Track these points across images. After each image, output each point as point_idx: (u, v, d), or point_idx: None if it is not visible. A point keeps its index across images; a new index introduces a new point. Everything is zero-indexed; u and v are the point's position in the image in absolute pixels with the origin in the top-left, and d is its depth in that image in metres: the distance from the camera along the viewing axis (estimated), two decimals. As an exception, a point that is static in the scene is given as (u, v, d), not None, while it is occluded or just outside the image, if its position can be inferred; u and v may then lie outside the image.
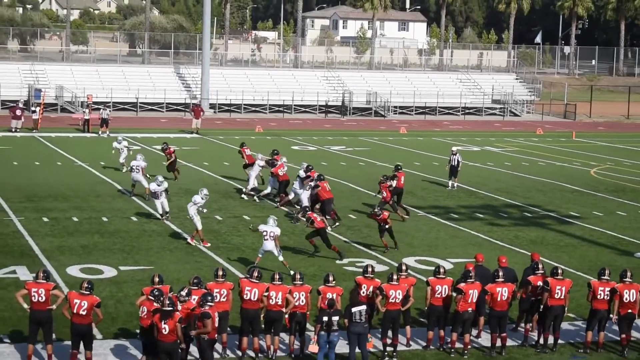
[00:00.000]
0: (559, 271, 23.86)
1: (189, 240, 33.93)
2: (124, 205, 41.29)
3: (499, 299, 23.19)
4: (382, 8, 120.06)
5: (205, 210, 35.43)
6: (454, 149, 49.74)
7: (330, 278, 22.86)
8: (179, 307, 20.68)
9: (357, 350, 22.02)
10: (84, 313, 21.30)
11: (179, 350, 20.68)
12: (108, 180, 47.55)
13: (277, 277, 22.79)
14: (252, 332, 22.70)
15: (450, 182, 48.35)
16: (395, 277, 23.22)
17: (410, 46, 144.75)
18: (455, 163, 47.97)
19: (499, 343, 23.46)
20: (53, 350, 21.84)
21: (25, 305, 21.94)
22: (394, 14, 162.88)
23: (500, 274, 23.58)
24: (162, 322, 20.33)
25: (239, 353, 22.74)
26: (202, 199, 34.29)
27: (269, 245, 30.33)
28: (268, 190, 42.92)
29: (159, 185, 37.17)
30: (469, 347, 23.54)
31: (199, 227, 33.67)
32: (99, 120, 70.03)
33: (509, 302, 23.54)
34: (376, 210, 34.03)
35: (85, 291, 21.47)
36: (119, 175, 48.95)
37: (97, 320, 21.74)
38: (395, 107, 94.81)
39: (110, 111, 71.98)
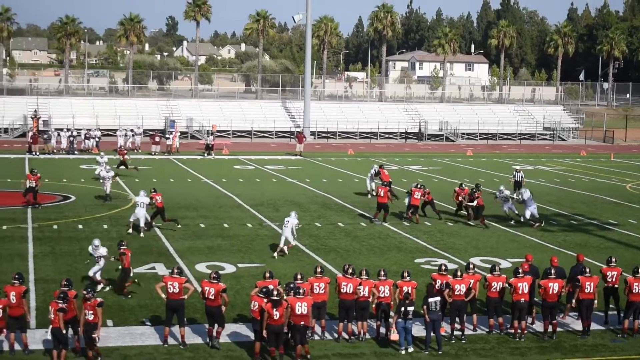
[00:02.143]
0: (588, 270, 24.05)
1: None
2: (241, 214, 41.50)
3: (550, 292, 23.00)
4: (452, 52, 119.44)
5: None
6: (517, 167, 49.61)
7: (405, 274, 22.87)
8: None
9: (432, 334, 22.01)
10: (212, 297, 21.68)
11: (284, 333, 20.86)
12: (228, 194, 47.84)
13: (365, 273, 22.85)
14: (347, 318, 22.75)
15: (515, 194, 47.95)
16: (459, 273, 23.24)
17: (475, 83, 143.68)
18: (520, 179, 48.02)
19: (550, 329, 23.30)
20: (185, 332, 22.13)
21: (163, 295, 22.19)
22: (461, 57, 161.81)
23: (553, 271, 23.49)
24: (274, 309, 20.50)
25: (336, 335, 22.80)
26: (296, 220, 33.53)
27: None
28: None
29: (145, 198, 36.35)
30: (525, 332, 23.35)
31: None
32: (204, 145, 70.76)
33: (559, 295, 23.33)
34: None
35: (213, 280, 21.80)
36: (239, 189, 49.29)
37: (224, 302, 22.00)
38: (463, 133, 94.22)
39: (214, 138, 72.35)
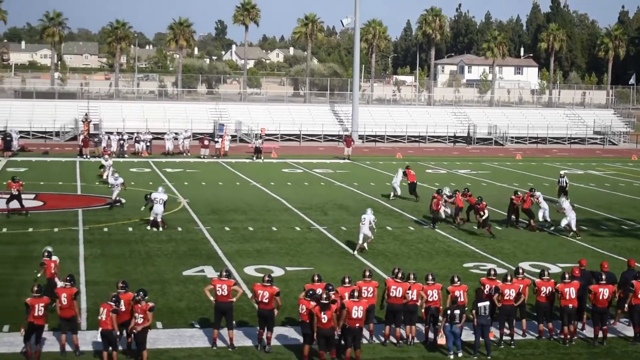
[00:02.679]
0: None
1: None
2: (290, 217, 41.58)
3: (600, 298, 22.79)
4: (501, 56, 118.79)
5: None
6: (562, 172, 49.08)
7: (456, 279, 22.78)
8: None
9: (481, 339, 21.89)
10: (266, 301, 21.75)
11: (335, 336, 20.85)
12: (277, 197, 47.96)
13: (412, 276, 22.78)
14: (394, 322, 22.70)
15: (561, 200, 47.52)
16: (509, 278, 23.07)
17: (524, 87, 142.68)
18: (564, 184, 47.41)
19: (601, 335, 23.07)
20: (234, 335, 22.21)
21: (212, 298, 22.27)
22: (510, 60, 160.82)
23: (603, 277, 23.22)
24: (322, 313, 20.51)
25: (382, 339, 22.77)
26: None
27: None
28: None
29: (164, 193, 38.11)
30: (575, 337, 23.14)
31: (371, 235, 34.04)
32: (253, 148, 71.08)
33: (609, 301, 23.10)
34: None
35: (267, 283, 21.86)
36: (287, 192, 49.42)
37: (277, 306, 22.03)
38: (512, 137, 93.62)
39: (262, 141, 72.56)
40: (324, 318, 20.53)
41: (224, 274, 22.46)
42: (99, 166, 55.02)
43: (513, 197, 40.53)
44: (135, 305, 20.56)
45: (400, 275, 22.88)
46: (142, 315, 20.46)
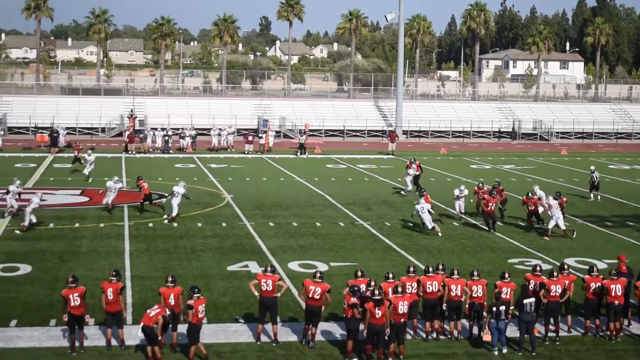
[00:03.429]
0: None
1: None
2: (334, 213, 41.58)
3: (646, 294, 22.59)
4: (546, 50, 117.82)
5: None
6: (592, 167, 48.82)
7: (506, 275, 22.64)
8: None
9: (526, 335, 21.77)
10: (317, 297, 21.78)
11: (386, 333, 20.83)
12: (321, 193, 47.99)
13: (456, 272, 22.70)
14: (431, 317, 22.67)
15: (592, 195, 47.20)
16: (555, 274, 22.88)
17: (570, 82, 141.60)
18: (595, 179, 46.96)
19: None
20: (278, 330, 22.26)
21: (256, 293, 22.32)
22: (556, 55, 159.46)
23: None
24: (376, 309, 20.48)
25: (423, 335, 22.71)
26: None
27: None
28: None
29: (183, 188, 38.70)
30: (620, 334, 22.94)
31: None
32: (297, 144, 71.27)
33: None
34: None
35: (318, 279, 21.93)
36: (331, 188, 49.42)
37: (326, 303, 22.05)
38: (557, 132, 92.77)
39: (306, 137, 72.68)
40: (378, 314, 20.50)
41: (269, 269, 22.51)
42: (72, 160, 55.67)
43: (524, 198, 38.92)
44: (196, 302, 20.64)
45: (431, 270, 22.89)
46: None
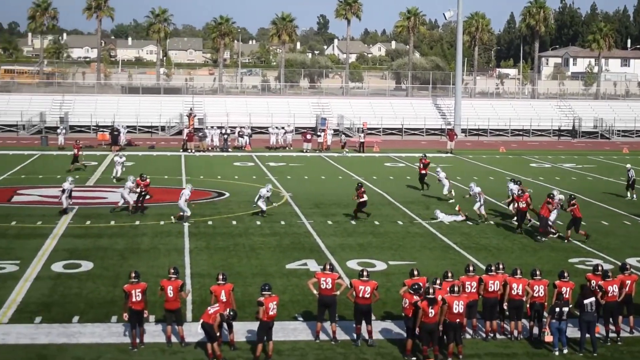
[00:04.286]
0: None
1: None
2: (392, 211, 41.49)
3: None
4: (607, 48, 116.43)
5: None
6: (628, 165, 48.17)
7: (565, 274, 22.43)
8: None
9: (587, 335, 21.54)
10: (367, 295, 21.78)
11: (438, 329, 20.77)
12: (379, 191, 47.89)
13: (519, 272, 22.52)
14: (490, 316, 22.53)
15: (628, 194, 46.49)
16: (610, 274, 22.63)
17: (631, 79, 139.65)
18: (631, 178, 46.21)
19: None
20: (336, 328, 22.28)
21: (315, 291, 22.35)
22: (617, 52, 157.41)
23: None
24: (430, 307, 20.43)
25: (483, 335, 22.58)
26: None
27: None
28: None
29: (268, 191, 39.41)
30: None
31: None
32: (358, 143, 71.45)
33: None
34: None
35: (366, 278, 21.90)
36: (389, 187, 49.32)
37: (375, 299, 22.07)
38: (619, 130, 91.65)
39: (364, 135, 72.87)
40: (431, 313, 20.44)
41: (328, 267, 22.54)
42: (71, 160, 55.41)
43: (515, 196, 37.98)
44: (266, 299, 20.74)
45: (493, 268, 22.75)
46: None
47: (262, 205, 38.81)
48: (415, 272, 22.64)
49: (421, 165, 48.55)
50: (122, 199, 39.62)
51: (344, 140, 72.34)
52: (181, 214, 37.81)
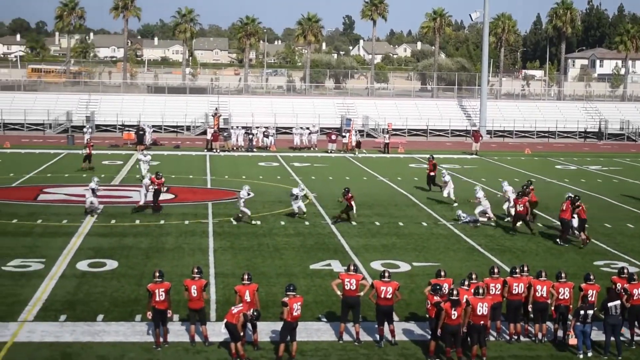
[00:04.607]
0: None
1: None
2: (416, 213, 41.42)
3: None
4: (634, 49, 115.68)
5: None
6: None
7: (591, 277, 22.33)
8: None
9: (612, 339, 21.42)
10: (389, 296, 21.79)
11: (461, 333, 20.70)
12: (404, 192, 47.84)
13: (543, 274, 22.43)
14: (514, 319, 22.45)
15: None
16: (635, 277, 22.47)
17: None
18: None
19: None
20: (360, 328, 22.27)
21: (339, 292, 22.34)
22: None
23: None
24: (453, 309, 20.37)
25: (507, 337, 22.50)
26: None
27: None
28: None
29: (301, 190, 39.42)
30: None
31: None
32: (382, 144, 71.49)
33: None
34: None
35: (387, 279, 21.88)
36: (413, 188, 49.25)
37: (396, 299, 22.08)
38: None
39: (389, 136, 72.93)
40: (454, 314, 20.39)
41: (352, 268, 22.52)
42: (83, 159, 54.92)
43: (514, 199, 37.46)
44: (291, 300, 20.78)
45: (518, 270, 22.68)
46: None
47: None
48: (442, 273, 22.65)
49: (431, 166, 48.29)
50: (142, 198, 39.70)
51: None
52: (239, 215, 37.68)
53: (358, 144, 70.56)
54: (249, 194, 37.73)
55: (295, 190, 39.03)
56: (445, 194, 44.07)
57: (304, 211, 38.82)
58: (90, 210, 38.58)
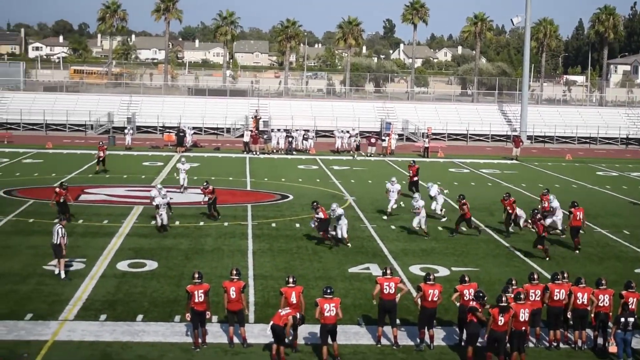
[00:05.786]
0: None
1: None
2: (456, 217, 41.14)
3: None
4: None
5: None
6: None
7: (632, 284, 22.16)
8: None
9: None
10: (436, 299, 21.93)
11: (506, 338, 20.57)
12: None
13: (583, 281, 22.30)
14: (554, 325, 22.31)
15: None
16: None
17: None
18: None
19: None
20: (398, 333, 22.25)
21: (375, 302, 22.38)
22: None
23: None
24: (500, 315, 20.26)
25: (546, 344, 22.36)
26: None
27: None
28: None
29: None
30: None
31: None
32: (422, 148, 71.42)
33: None
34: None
35: (432, 282, 22.03)
36: (453, 192, 49.01)
37: (439, 302, 22.16)
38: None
39: (429, 140, 72.86)
40: (501, 321, 20.27)
41: (388, 271, 22.52)
42: (97, 161, 54.29)
43: (501, 199, 38.01)
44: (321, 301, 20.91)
45: (559, 277, 22.57)
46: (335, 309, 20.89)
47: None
48: (467, 279, 22.66)
49: (410, 172, 47.85)
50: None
51: (357, 142, 71.28)
52: (332, 233, 34.25)
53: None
54: (163, 197, 36.30)
55: (337, 209, 34.44)
56: (415, 223, 37.02)
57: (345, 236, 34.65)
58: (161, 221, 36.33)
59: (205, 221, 38.11)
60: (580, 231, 34.93)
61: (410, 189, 47.48)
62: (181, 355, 21.01)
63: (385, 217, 39.76)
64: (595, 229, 38.47)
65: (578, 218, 34.70)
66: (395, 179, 41.84)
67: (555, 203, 37.67)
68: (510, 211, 37.30)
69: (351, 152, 70.09)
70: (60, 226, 28.07)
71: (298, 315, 20.96)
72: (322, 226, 33.33)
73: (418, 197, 37.19)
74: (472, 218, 37.19)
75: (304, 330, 22.43)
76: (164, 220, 35.48)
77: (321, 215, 33.23)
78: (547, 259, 32.09)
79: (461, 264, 31.27)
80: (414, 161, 49.88)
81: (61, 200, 36.48)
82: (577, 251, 34.08)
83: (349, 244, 33.55)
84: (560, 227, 36.99)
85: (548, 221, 36.26)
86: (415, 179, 47.70)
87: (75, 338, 21.99)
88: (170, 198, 38.38)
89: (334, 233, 33.78)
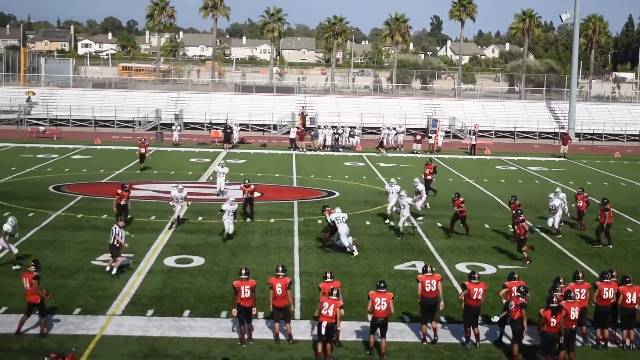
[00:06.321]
0: None
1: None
2: (502, 215, 41.00)
3: None
4: None
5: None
6: None
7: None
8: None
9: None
10: (481, 297, 21.94)
11: (560, 341, 20.43)
12: (490, 194, 47.47)
13: (630, 279, 22.13)
14: (602, 324, 22.20)
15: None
16: None
17: None
18: None
19: None
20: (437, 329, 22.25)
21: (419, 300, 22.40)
22: None
23: None
24: (552, 316, 20.11)
25: (593, 342, 22.22)
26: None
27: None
28: None
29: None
30: None
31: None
32: (469, 146, 71.08)
33: None
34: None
35: (477, 280, 22.03)
36: (500, 190, 48.81)
37: (483, 300, 22.13)
38: None
39: (476, 137, 72.48)
40: (553, 322, 20.12)
41: (429, 269, 22.50)
42: (139, 159, 53.93)
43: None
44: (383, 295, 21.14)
45: (607, 276, 22.41)
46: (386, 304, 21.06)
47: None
48: (516, 276, 22.55)
49: (426, 170, 46.63)
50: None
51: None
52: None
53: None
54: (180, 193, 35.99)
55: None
56: (420, 205, 39.71)
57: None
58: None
59: (251, 218, 38.09)
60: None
61: (429, 187, 46.75)
62: (227, 351, 21.11)
63: (387, 221, 38.65)
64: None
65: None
66: (394, 180, 41.37)
67: (557, 202, 37.26)
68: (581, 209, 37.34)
69: (378, 149, 69.56)
70: (118, 227, 28.31)
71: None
72: (329, 228, 32.91)
73: (395, 184, 39.10)
74: (525, 220, 36.39)
75: (349, 327, 22.46)
76: (230, 230, 34.05)
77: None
78: (528, 262, 31.10)
79: (507, 262, 31.09)
80: (430, 159, 49.45)
81: (122, 203, 35.99)
82: (610, 246, 34.11)
83: (354, 253, 31.70)
84: (557, 226, 36.63)
85: (557, 219, 36.35)
86: (430, 177, 46.50)
87: (123, 333, 22.21)
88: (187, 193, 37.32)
89: (338, 243, 32.36)
